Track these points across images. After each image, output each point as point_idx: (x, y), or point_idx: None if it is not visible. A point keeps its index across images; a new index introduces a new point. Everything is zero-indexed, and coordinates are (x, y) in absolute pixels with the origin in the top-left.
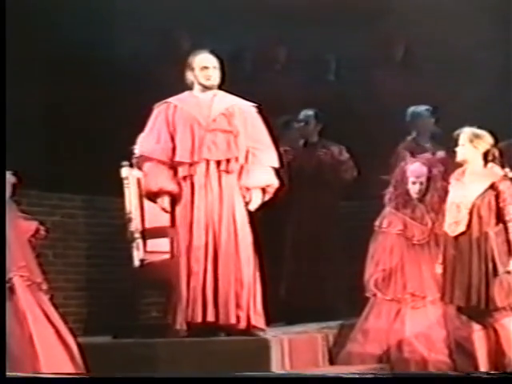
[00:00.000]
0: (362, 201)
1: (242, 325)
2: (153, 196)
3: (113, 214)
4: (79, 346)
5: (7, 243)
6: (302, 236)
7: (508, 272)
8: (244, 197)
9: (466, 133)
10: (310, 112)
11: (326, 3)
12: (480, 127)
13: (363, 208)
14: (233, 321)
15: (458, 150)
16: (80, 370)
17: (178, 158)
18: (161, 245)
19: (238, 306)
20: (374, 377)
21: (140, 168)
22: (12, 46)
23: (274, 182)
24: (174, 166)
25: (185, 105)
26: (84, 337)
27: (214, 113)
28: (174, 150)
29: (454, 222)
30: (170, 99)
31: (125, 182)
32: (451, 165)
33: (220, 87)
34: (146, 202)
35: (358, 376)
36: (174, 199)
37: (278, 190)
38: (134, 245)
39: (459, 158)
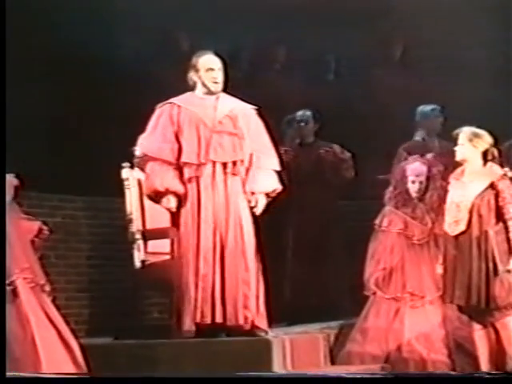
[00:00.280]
0: (362, 200)
1: (247, 326)
2: (158, 196)
3: (113, 215)
4: (81, 347)
5: (10, 245)
6: (302, 236)
7: (508, 271)
8: (249, 201)
9: (465, 132)
10: (308, 112)
11: (325, 3)
12: (480, 127)
13: (363, 208)
14: (241, 322)
15: (458, 149)
16: (82, 371)
17: (184, 159)
18: (162, 246)
19: (245, 307)
20: (374, 377)
21: (142, 168)
22: (12, 46)
23: (278, 187)
24: (179, 167)
25: (189, 105)
26: (86, 338)
27: (219, 114)
28: (179, 150)
29: (453, 221)
30: (173, 100)
31: (125, 183)
32: (450, 164)
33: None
34: (147, 203)
35: (359, 376)
36: (179, 200)
37: (279, 193)
38: (135, 246)
39: (458, 157)
